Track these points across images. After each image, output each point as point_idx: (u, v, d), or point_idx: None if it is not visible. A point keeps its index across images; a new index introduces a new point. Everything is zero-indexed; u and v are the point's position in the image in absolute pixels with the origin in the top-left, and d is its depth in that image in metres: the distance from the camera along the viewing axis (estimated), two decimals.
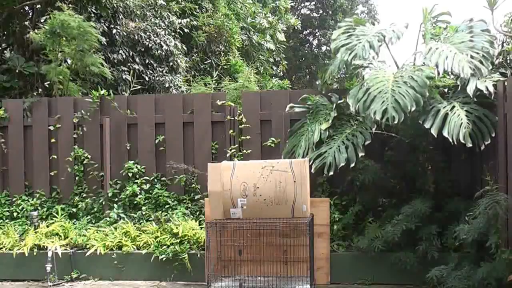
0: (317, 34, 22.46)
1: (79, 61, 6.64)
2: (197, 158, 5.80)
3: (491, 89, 4.33)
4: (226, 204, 4.44)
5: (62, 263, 5.13)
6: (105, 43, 8.13)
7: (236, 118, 5.77)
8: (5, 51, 7.71)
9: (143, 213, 5.65)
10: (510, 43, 4.86)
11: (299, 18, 18.20)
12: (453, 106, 4.49)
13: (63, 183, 6.00)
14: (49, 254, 5.08)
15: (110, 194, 5.82)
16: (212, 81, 8.26)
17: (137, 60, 8.97)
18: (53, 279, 5.08)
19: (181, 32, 10.31)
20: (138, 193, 5.77)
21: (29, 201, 5.97)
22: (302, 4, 22.47)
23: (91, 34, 6.58)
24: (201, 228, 5.19)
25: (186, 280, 5.02)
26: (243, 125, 5.74)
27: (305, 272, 4.45)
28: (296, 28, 16.20)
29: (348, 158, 4.70)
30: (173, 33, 9.87)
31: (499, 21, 4.90)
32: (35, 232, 5.39)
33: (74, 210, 5.89)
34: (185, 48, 10.22)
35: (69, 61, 6.87)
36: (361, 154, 4.69)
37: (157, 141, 5.89)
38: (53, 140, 6.04)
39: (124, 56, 8.68)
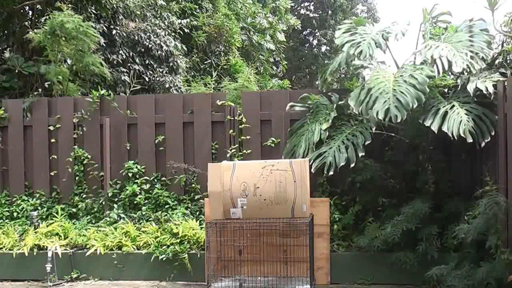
0: (317, 34, 22.47)
1: (79, 61, 6.64)
2: (197, 158, 5.80)
3: (491, 89, 4.34)
4: (226, 204, 4.44)
5: (62, 263, 5.13)
6: (105, 43, 8.14)
7: (236, 118, 5.77)
8: (5, 51, 7.70)
9: (143, 213, 5.65)
10: (510, 43, 4.86)
11: (300, 18, 18.19)
12: (453, 105, 4.50)
13: (63, 183, 6.00)
14: (49, 254, 5.08)
15: (110, 194, 5.82)
16: (212, 81, 8.26)
17: (137, 60, 8.97)
18: (53, 279, 5.08)
19: (181, 32, 10.32)
20: (138, 193, 5.77)
21: (29, 201, 5.97)
22: (302, 5, 22.48)
23: (90, 34, 6.58)
24: (201, 228, 5.19)
25: (186, 280, 5.02)
26: (243, 125, 5.74)
27: (305, 272, 4.45)
28: (296, 28, 16.21)
29: (348, 158, 4.71)
30: (173, 34, 9.87)
31: (499, 21, 4.91)
32: (35, 232, 5.39)
33: (74, 210, 5.89)
34: (185, 49, 10.22)
35: (68, 61, 6.86)
36: (361, 154, 4.69)
37: (157, 141, 5.89)
38: (53, 140, 6.04)
39: (124, 57, 8.68)
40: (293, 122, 5.55)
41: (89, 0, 8.08)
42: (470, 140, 4.18)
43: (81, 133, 6.02)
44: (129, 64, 8.73)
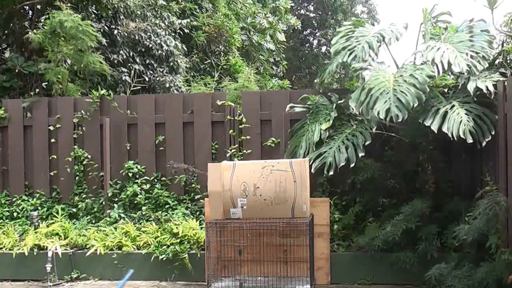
0: (317, 34, 22.45)
1: (78, 61, 6.63)
2: (197, 158, 5.80)
3: (491, 88, 4.34)
4: (226, 204, 4.44)
5: (62, 263, 5.13)
6: (106, 43, 8.14)
7: (236, 118, 5.77)
8: (5, 51, 7.70)
9: (143, 213, 5.65)
10: (510, 43, 4.86)
11: (300, 19, 18.19)
12: (453, 105, 4.50)
13: (63, 183, 6.00)
14: (49, 254, 5.09)
15: (110, 194, 5.82)
16: (212, 81, 8.26)
17: (137, 60, 8.97)
18: (53, 279, 5.08)
19: (181, 32, 10.31)
20: (138, 193, 5.77)
21: (29, 201, 5.97)
22: (302, 5, 22.47)
23: (90, 33, 6.57)
24: (201, 228, 5.19)
25: (186, 280, 5.02)
26: (243, 125, 5.74)
27: (305, 272, 4.45)
28: (296, 28, 16.19)
29: (348, 158, 4.71)
30: (173, 33, 9.86)
31: (499, 21, 4.91)
32: (35, 232, 5.39)
33: (74, 210, 5.89)
34: (185, 48, 10.21)
35: (68, 61, 6.86)
36: (361, 154, 4.70)
37: (157, 141, 5.89)
38: (53, 140, 6.04)
39: (125, 57, 8.68)
40: (293, 122, 5.55)
41: (89, 0, 8.08)
42: (470, 140, 4.19)
43: (81, 133, 6.02)
44: (129, 64, 8.73)
